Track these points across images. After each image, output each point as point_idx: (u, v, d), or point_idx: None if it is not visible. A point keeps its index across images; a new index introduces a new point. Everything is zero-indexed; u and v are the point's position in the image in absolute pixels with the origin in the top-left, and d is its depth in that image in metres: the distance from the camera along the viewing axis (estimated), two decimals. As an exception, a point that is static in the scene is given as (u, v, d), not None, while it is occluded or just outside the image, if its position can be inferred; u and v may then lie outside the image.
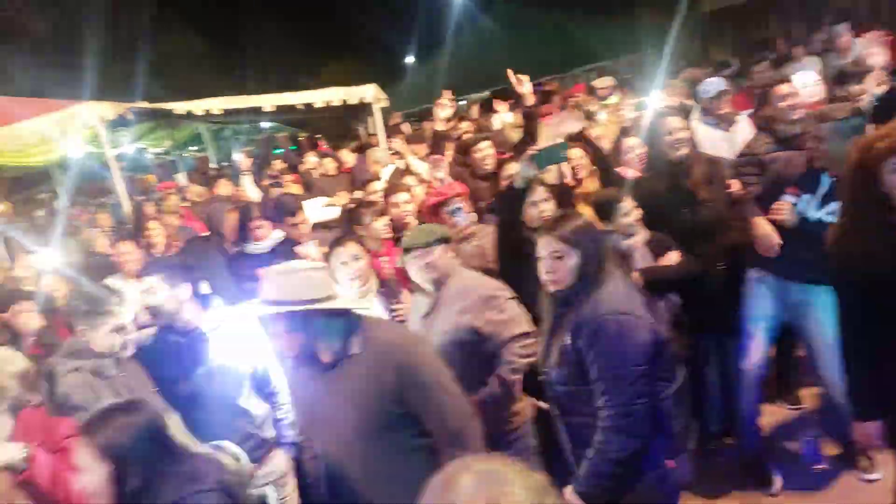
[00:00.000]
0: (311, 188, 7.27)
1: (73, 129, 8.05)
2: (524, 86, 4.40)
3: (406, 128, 9.49)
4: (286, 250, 4.22)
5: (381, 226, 4.40)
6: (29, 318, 3.69)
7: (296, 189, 7.38)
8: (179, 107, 8.24)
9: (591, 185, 4.35)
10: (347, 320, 2.26)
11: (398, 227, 4.26)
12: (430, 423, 2.23)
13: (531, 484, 1.11)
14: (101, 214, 8.19)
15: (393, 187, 4.63)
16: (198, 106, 8.22)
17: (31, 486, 2.12)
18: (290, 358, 2.33)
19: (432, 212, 3.95)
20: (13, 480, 2.10)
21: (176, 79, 16.35)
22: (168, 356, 3.01)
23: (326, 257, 3.55)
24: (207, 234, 5.31)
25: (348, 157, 7.84)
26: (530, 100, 4.41)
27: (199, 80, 15.95)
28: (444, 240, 3.06)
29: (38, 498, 2.13)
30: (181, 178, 10.24)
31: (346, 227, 4.41)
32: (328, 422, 2.30)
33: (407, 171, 5.73)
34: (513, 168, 4.04)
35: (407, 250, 3.07)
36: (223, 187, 7.62)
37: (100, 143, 8.99)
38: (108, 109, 7.81)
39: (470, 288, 3.02)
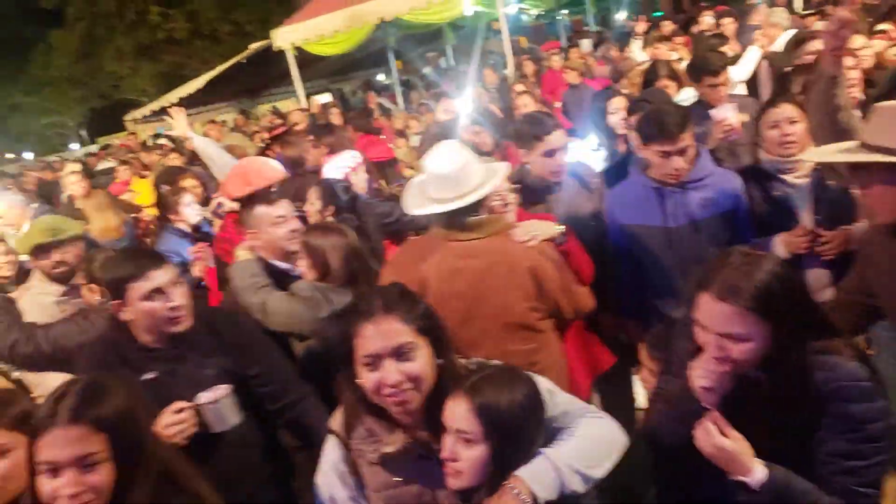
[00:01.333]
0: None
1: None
2: None
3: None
4: (700, 113, 3.81)
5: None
6: (483, 138, 4.21)
7: (685, 53, 6.73)
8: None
9: None
10: None
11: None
12: None
13: None
14: (486, 71, 8.59)
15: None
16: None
17: (566, 256, 2.48)
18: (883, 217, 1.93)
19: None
20: (555, 249, 2.43)
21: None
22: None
23: (753, 123, 3.09)
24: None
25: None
26: None
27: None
28: None
29: (570, 264, 2.52)
30: (585, 45, 9.85)
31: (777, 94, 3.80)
32: None
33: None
34: None
35: None
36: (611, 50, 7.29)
37: (490, 2, 9.36)
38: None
39: None
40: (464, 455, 1.46)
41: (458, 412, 1.47)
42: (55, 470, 1.43)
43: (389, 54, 12.51)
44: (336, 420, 1.68)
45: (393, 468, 1.57)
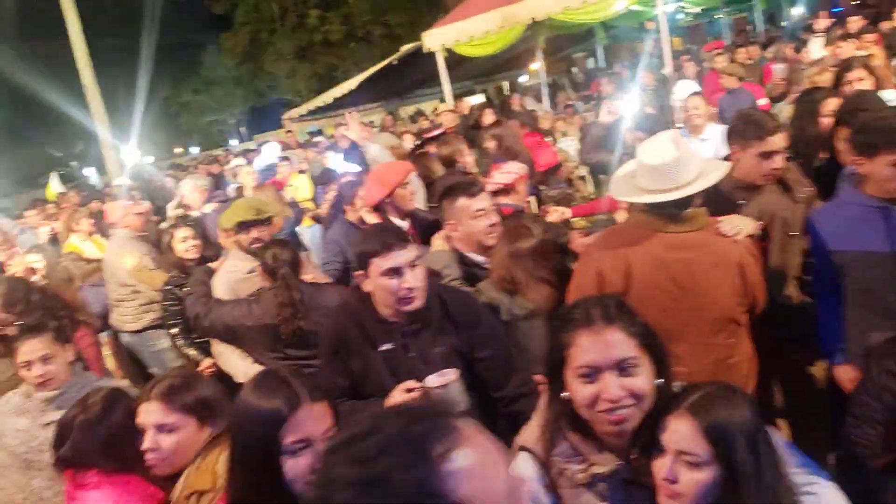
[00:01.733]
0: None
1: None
2: None
3: None
4: None
5: None
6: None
7: (877, 52, 6.06)
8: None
9: None
10: None
11: None
12: None
13: None
14: (645, 73, 8.24)
15: None
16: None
17: (756, 257, 2.38)
18: None
19: None
20: (755, 245, 2.37)
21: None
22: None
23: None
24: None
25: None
26: None
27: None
28: None
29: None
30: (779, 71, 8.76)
31: None
32: None
33: None
34: None
35: None
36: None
37: (647, 0, 8.98)
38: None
39: None
40: (686, 478, 1.33)
41: (681, 432, 1.34)
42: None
43: (537, 55, 12.35)
44: (527, 436, 1.54)
45: (600, 492, 1.44)
